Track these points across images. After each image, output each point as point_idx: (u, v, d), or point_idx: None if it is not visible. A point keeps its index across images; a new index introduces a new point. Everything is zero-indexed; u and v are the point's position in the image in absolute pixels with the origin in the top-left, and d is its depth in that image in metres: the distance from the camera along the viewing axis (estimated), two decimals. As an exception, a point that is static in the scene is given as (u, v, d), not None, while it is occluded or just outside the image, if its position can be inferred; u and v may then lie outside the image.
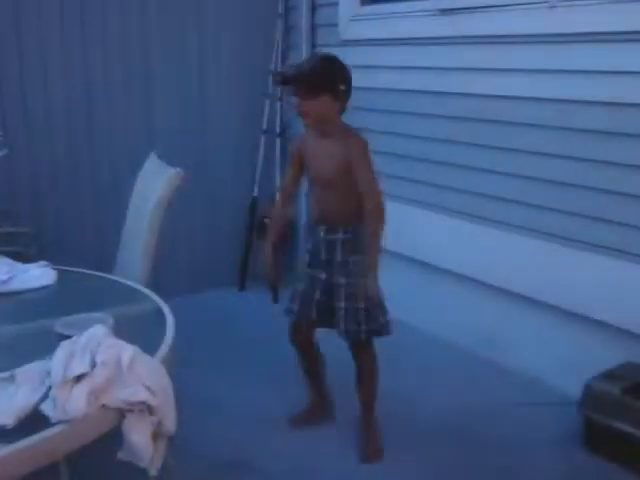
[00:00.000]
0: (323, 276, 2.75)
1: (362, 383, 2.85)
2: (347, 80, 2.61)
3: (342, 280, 2.69)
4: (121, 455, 1.75)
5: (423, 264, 3.87)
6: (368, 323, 2.71)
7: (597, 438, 2.80)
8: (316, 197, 2.74)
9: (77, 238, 4.20)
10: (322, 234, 2.71)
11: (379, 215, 2.59)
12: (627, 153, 2.92)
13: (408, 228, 3.91)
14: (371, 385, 2.85)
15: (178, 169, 2.72)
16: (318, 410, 3.05)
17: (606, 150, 2.99)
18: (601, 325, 3.05)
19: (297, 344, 2.93)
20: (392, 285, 4.12)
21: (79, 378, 1.67)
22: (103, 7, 4.11)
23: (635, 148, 2.89)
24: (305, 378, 3.01)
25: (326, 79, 2.57)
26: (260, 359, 3.68)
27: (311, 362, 2.97)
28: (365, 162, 2.57)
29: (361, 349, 2.80)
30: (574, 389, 2.90)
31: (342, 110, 2.63)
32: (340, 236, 2.68)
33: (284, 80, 2.70)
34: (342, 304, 2.70)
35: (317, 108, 2.56)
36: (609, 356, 2.95)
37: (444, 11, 3.66)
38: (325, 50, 4.42)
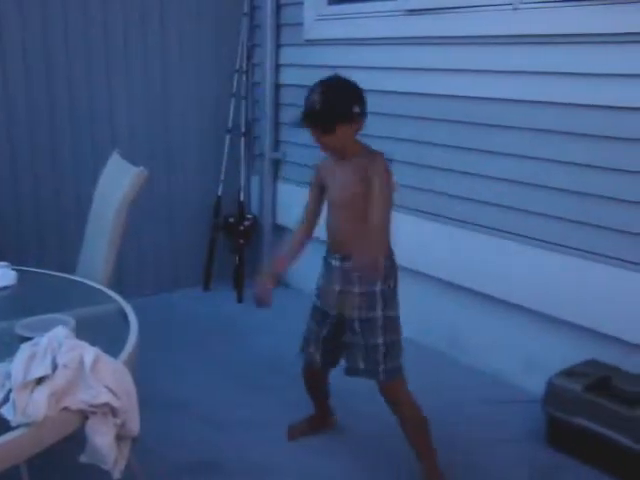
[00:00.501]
0: (334, 312, 2.59)
1: (405, 432, 2.61)
2: (360, 101, 2.44)
3: (357, 314, 2.52)
4: (84, 458, 1.74)
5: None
6: (387, 362, 2.52)
7: (559, 435, 2.84)
8: (333, 223, 2.58)
9: (38, 238, 4.15)
10: (338, 263, 2.57)
11: (380, 233, 2.47)
12: (587, 154, 2.96)
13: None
14: (415, 433, 2.61)
15: (142, 168, 2.69)
16: (319, 423, 2.99)
17: (568, 150, 3.03)
18: (565, 324, 3.09)
19: (306, 381, 2.86)
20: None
21: (40, 380, 1.66)
22: (64, 3, 4.05)
23: (595, 149, 2.93)
24: (309, 396, 2.95)
25: (341, 111, 2.40)
26: (225, 359, 3.66)
27: (317, 392, 2.92)
28: (381, 181, 2.39)
29: (389, 391, 2.58)
30: (538, 387, 2.94)
31: (359, 130, 2.47)
32: None
33: (299, 122, 2.46)
34: (359, 340, 2.53)
35: (336, 140, 2.43)
36: (572, 354, 2.99)
37: (411, 12, 3.68)
38: (290, 50, 4.45)
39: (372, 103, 3.88)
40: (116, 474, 1.76)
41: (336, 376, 2.76)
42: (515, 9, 3.16)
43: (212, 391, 3.31)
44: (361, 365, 2.54)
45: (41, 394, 1.63)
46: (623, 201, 2.88)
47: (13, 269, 2.54)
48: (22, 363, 1.68)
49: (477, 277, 3.46)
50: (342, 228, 2.55)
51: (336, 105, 2.41)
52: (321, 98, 2.39)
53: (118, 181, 2.74)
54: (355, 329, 2.53)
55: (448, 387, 3.39)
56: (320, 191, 2.62)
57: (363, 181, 2.39)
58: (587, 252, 3.01)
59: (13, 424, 1.59)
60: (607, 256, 2.95)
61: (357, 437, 2.96)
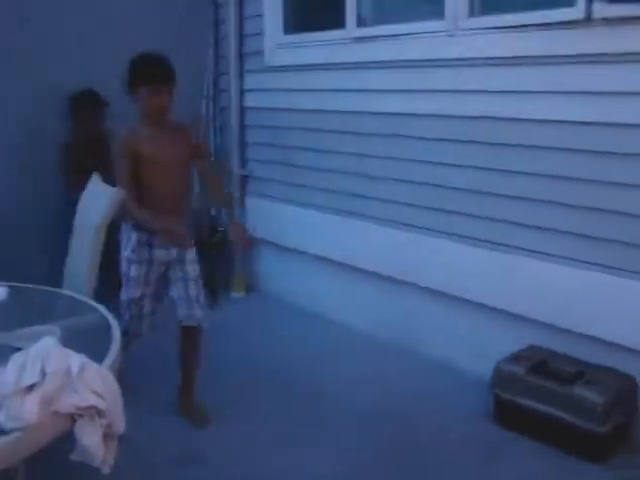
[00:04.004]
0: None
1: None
2: None
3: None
4: (75, 456, 1.73)
5: (344, 266, 3.93)
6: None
7: (506, 414, 2.88)
8: (155, 191, 2.73)
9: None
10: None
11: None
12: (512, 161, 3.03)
13: (327, 233, 3.97)
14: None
15: (119, 188, 2.69)
16: None
17: (505, 160, 3.09)
18: (506, 314, 3.14)
19: None
20: (318, 285, 4.20)
21: (31, 387, 1.65)
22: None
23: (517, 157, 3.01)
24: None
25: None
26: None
27: None
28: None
29: None
30: (484, 371, 2.98)
31: None
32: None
33: (169, 77, 2.75)
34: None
35: (171, 101, 2.75)
36: (513, 341, 3.04)
37: (358, 39, 3.72)
38: (253, 76, 4.47)
39: (320, 121, 3.98)
40: (105, 469, 1.75)
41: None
42: (451, 35, 3.22)
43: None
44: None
45: (32, 400, 1.62)
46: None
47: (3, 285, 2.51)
48: (13, 372, 1.67)
49: (421, 274, 3.50)
50: (168, 194, 2.75)
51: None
52: (166, 60, 2.73)
53: (97, 200, 2.74)
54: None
55: (401, 375, 3.40)
56: (134, 162, 2.72)
57: (189, 146, 2.83)
58: (522, 249, 3.06)
59: (7, 429, 1.57)
60: (534, 251, 3.01)
61: (318, 423, 2.96)
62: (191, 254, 2.87)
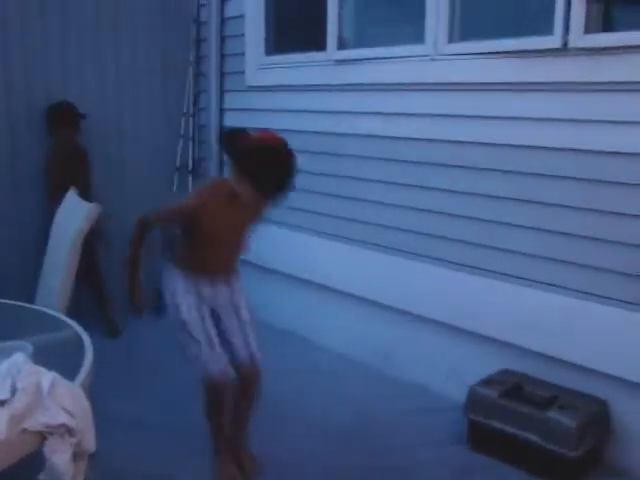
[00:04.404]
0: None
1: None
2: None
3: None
4: (43, 476, 1.68)
5: (324, 287, 3.91)
6: None
7: (480, 438, 2.87)
8: (217, 259, 2.58)
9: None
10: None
11: None
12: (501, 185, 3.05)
13: (306, 254, 3.95)
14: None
15: (95, 203, 2.66)
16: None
17: (482, 184, 3.11)
18: (481, 337, 3.14)
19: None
20: (298, 306, 4.17)
21: (0, 404, 1.60)
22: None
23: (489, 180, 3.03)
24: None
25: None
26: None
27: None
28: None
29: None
30: (459, 395, 2.97)
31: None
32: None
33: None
34: None
35: None
36: (488, 364, 3.04)
37: (339, 62, 3.74)
38: (233, 95, 4.46)
39: (300, 142, 3.97)
40: (74, 490, 1.71)
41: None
42: (432, 60, 3.25)
43: (168, 410, 3.23)
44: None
45: (1, 417, 1.58)
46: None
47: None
48: (-18, 389, 1.62)
49: (399, 297, 3.50)
50: (228, 262, 2.62)
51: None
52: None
53: (73, 215, 2.70)
54: None
55: (378, 397, 3.39)
56: (187, 221, 2.48)
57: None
58: (496, 272, 3.08)
59: (-27, 446, 1.53)
60: (512, 275, 3.03)
61: (293, 443, 2.92)
62: (243, 299, 2.66)
